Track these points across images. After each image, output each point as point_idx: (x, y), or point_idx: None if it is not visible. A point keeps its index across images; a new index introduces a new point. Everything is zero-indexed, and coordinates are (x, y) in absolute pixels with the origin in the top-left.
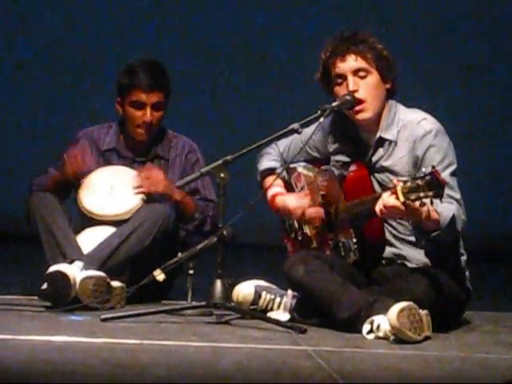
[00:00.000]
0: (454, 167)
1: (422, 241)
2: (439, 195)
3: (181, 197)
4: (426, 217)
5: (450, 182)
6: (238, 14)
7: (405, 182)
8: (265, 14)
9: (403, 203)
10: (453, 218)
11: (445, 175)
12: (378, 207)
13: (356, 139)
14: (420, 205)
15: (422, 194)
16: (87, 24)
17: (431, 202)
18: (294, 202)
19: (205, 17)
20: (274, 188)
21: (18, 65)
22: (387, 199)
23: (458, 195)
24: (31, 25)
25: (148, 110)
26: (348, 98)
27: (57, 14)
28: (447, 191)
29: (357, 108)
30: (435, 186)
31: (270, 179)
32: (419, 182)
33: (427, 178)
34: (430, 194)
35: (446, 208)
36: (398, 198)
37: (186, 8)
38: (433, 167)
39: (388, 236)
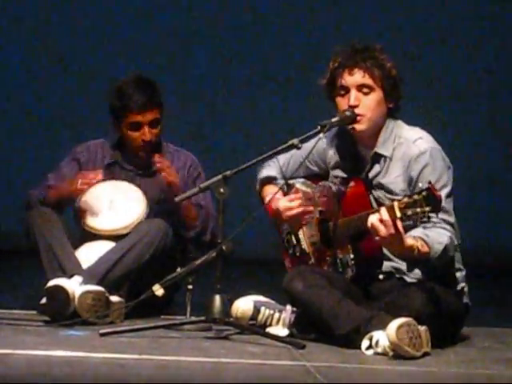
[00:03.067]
0: (448, 189)
1: (412, 268)
2: (436, 210)
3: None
4: (417, 252)
5: (444, 206)
6: (240, 27)
7: (402, 198)
8: (266, 27)
9: (400, 219)
10: (443, 250)
11: None
12: (370, 221)
13: (354, 154)
14: (415, 219)
15: (418, 210)
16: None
17: (428, 218)
18: (284, 202)
19: (205, 31)
20: (270, 196)
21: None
22: (383, 213)
23: (452, 219)
24: (25, 28)
25: (146, 129)
26: (348, 114)
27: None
28: (441, 215)
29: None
30: (432, 202)
31: (268, 187)
32: (416, 197)
33: (423, 193)
34: (427, 209)
35: (437, 240)
36: (394, 214)
37: (186, 21)
38: (429, 182)
39: (386, 250)
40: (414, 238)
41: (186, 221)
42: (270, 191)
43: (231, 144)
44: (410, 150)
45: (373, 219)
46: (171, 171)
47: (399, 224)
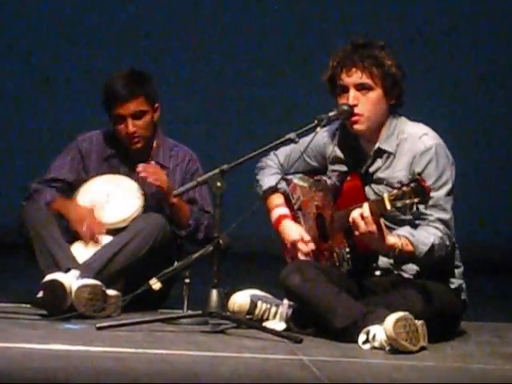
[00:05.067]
0: (449, 187)
1: (398, 266)
2: (424, 202)
3: (176, 199)
4: (399, 251)
5: (442, 204)
6: (238, 21)
7: (391, 190)
8: (265, 19)
9: (390, 211)
10: (429, 251)
11: (439, 194)
12: (352, 217)
13: (356, 148)
14: (405, 210)
15: (407, 201)
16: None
17: (417, 208)
18: (296, 235)
19: (205, 24)
20: (279, 209)
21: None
22: (365, 210)
23: (447, 216)
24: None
25: (129, 121)
26: (345, 108)
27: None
28: (437, 214)
29: (353, 119)
30: (420, 193)
31: (272, 199)
32: (405, 188)
33: (412, 184)
34: (416, 200)
35: (423, 240)
36: (384, 206)
37: (187, 15)
38: (418, 174)
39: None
40: (397, 236)
41: (178, 219)
42: (274, 203)
43: (228, 138)
44: (416, 146)
45: (355, 214)
46: (157, 176)
47: (382, 224)
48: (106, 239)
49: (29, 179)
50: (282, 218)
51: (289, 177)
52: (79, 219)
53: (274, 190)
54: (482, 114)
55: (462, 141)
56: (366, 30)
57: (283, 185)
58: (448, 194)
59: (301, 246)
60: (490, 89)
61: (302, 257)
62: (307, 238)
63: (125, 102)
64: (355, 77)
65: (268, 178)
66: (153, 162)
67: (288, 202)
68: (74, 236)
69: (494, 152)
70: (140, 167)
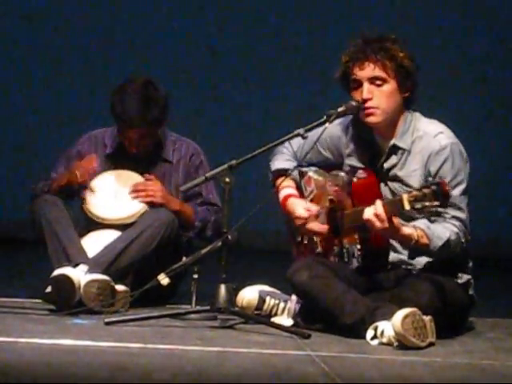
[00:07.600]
0: (464, 185)
1: (413, 257)
2: (443, 206)
3: (178, 206)
4: (415, 241)
5: (457, 203)
6: (246, 13)
7: (411, 191)
8: (273, 14)
9: (408, 211)
10: (444, 245)
11: (455, 193)
12: (366, 215)
13: (371, 143)
14: (422, 212)
15: (427, 204)
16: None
17: (436, 212)
18: (301, 209)
19: (212, 16)
20: (287, 189)
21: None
22: (378, 208)
23: (463, 215)
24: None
25: (133, 143)
26: (354, 103)
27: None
28: (453, 212)
29: (367, 111)
30: (441, 197)
31: (282, 181)
32: (425, 191)
33: (433, 187)
34: (436, 203)
35: (438, 234)
36: (403, 206)
37: (194, 8)
38: (439, 177)
39: (394, 242)
40: (413, 227)
41: (183, 223)
42: (283, 184)
43: (237, 133)
44: (431, 145)
45: (369, 212)
46: (149, 192)
47: (395, 220)
48: (114, 234)
49: (39, 172)
50: (288, 196)
51: (304, 169)
52: (72, 171)
53: (283, 172)
54: (496, 108)
55: (473, 136)
56: (376, 23)
57: (295, 174)
58: (463, 192)
59: (312, 224)
60: (505, 85)
61: (312, 226)
62: (314, 210)
63: (133, 128)
64: (368, 70)
65: (279, 162)
66: (147, 175)
67: (301, 194)
68: (85, 229)
69: (505, 147)
70: (130, 190)
